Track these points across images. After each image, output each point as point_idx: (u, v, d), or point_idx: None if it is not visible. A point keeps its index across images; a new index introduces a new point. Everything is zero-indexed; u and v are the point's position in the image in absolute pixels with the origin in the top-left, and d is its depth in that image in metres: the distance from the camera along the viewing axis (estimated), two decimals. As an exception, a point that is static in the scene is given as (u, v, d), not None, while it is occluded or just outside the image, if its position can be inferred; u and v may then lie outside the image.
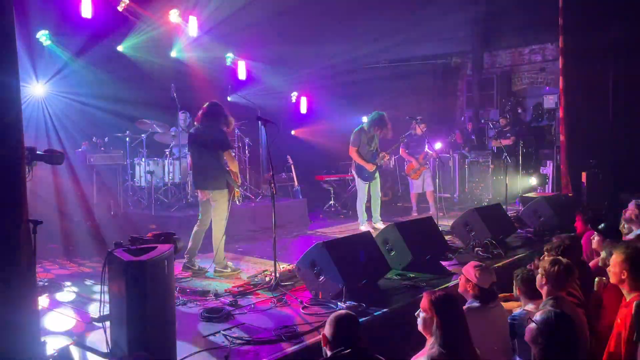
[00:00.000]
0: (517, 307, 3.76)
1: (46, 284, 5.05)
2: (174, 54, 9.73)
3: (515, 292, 3.72)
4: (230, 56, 10.41)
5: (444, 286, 4.77)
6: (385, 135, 7.67)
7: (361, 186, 7.69)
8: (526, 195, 8.67)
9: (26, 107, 7.26)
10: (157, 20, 9.12)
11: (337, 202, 9.74)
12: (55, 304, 4.60)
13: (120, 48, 8.91)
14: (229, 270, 5.51)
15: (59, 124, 8.04)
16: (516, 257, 5.90)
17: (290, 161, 9.90)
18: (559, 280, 3.30)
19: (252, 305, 4.38)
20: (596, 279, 4.01)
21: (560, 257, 3.48)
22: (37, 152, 4.41)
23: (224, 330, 3.81)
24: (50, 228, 6.10)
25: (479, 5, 11.46)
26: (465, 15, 11.53)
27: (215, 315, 4.06)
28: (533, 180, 10.18)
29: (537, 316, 2.60)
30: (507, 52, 11.91)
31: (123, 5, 8.51)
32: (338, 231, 7.95)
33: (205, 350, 3.50)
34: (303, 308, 4.25)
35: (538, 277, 3.39)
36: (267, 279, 4.95)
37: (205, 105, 5.65)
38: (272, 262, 4.92)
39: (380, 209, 7.86)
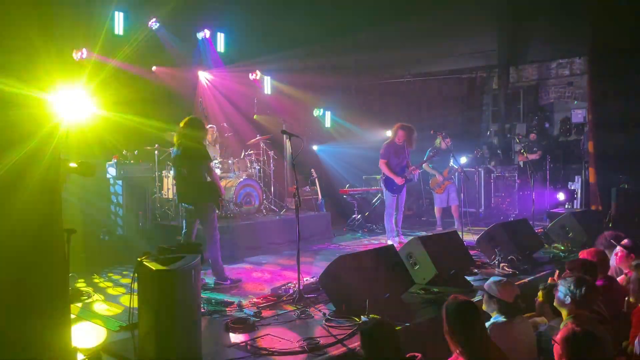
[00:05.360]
0: (542, 322, 3.70)
1: (77, 291, 5.19)
2: (201, 69, 9.96)
3: (540, 307, 3.66)
4: (255, 72, 10.59)
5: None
6: (410, 145, 7.69)
7: (389, 199, 7.69)
8: (554, 210, 8.53)
9: (61, 120, 7.51)
10: (185, 37, 9.40)
11: (360, 216, 9.74)
12: (85, 312, 4.72)
13: (153, 68, 9.20)
14: (228, 282, 5.56)
15: (90, 137, 8.28)
16: (543, 273, 5.80)
17: (315, 174, 9.96)
18: (584, 301, 3.24)
19: (276, 317, 4.42)
20: (627, 299, 3.92)
21: (585, 276, 3.40)
22: (71, 164, 4.58)
23: (248, 340, 3.85)
24: (80, 237, 6.27)
25: (505, 19, 11.43)
26: (491, 29, 11.51)
27: (239, 325, 4.11)
28: (561, 196, 10.01)
29: (559, 335, 2.57)
30: (533, 66, 11.79)
31: (154, 24, 8.82)
32: (361, 244, 7.95)
33: (229, 360, 3.55)
34: (326, 320, 4.26)
35: (559, 295, 3.32)
36: (291, 291, 4.99)
37: (185, 120, 5.65)
38: (296, 274, 4.96)
39: (403, 223, 7.87)
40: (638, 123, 8.95)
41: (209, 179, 5.67)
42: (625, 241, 4.46)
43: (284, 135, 5.54)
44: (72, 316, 4.04)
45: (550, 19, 10.82)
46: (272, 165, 9.35)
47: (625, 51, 8.49)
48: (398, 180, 7.55)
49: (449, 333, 2.76)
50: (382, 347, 2.83)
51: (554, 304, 3.36)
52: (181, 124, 5.65)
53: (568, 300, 3.25)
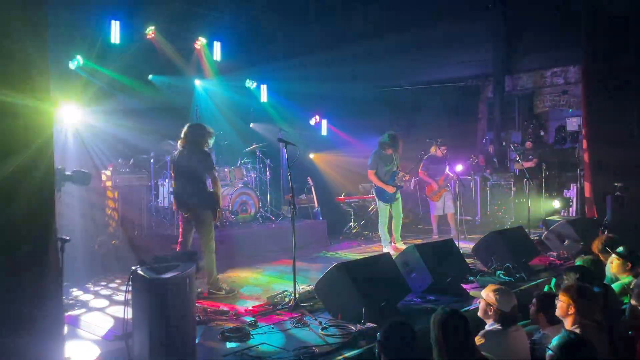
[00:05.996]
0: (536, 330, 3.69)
1: (71, 301, 5.16)
2: (197, 78, 9.99)
3: (535, 316, 3.65)
4: (251, 80, 10.63)
5: (464, 309, 4.71)
6: (397, 153, 7.72)
7: (382, 208, 7.70)
8: (549, 218, 8.54)
9: (55, 129, 7.50)
10: (182, 46, 9.43)
11: (357, 224, 9.73)
12: (79, 321, 4.69)
13: (149, 77, 9.22)
14: (223, 292, 5.52)
15: (86, 145, 8.27)
16: (539, 281, 5.81)
17: (311, 182, 9.96)
18: (589, 309, 3.23)
19: (272, 326, 4.40)
20: (629, 305, 3.91)
21: (587, 285, 3.39)
22: (66, 173, 4.58)
23: (243, 350, 3.83)
24: (74, 247, 6.24)
25: (500, 28, 11.52)
26: (486, 38, 11.60)
27: (234, 334, 4.09)
28: (556, 203, 10.04)
29: (553, 341, 2.57)
30: (528, 74, 11.87)
31: (150, 32, 8.85)
32: (358, 252, 7.94)
33: (224, 369, 3.53)
34: (322, 329, 4.25)
35: (561, 305, 3.29)
36: (287, 299, 4.98)
37: (186, 127, 5.66)
38: (292, 282, 4.95)
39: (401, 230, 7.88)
40: (633, 131, 9.01)
41: (210, 188, 5.65)
42: (620, 248, 4.48)
43: (280, 143, 5.55)
44: (66, 326, 4.01)
45: (545, 27, 10.92)
46: (268, 173, 9.35)
47: (618, 60, 8.55)
48: (389, 189, 7.57)
49: (436, 343, 2.76)
50: (400, 349, 2.79)
51: (556, 313, 3.34)
52: (186, 128, 5.62)
53: (572, 310, 3.23)
